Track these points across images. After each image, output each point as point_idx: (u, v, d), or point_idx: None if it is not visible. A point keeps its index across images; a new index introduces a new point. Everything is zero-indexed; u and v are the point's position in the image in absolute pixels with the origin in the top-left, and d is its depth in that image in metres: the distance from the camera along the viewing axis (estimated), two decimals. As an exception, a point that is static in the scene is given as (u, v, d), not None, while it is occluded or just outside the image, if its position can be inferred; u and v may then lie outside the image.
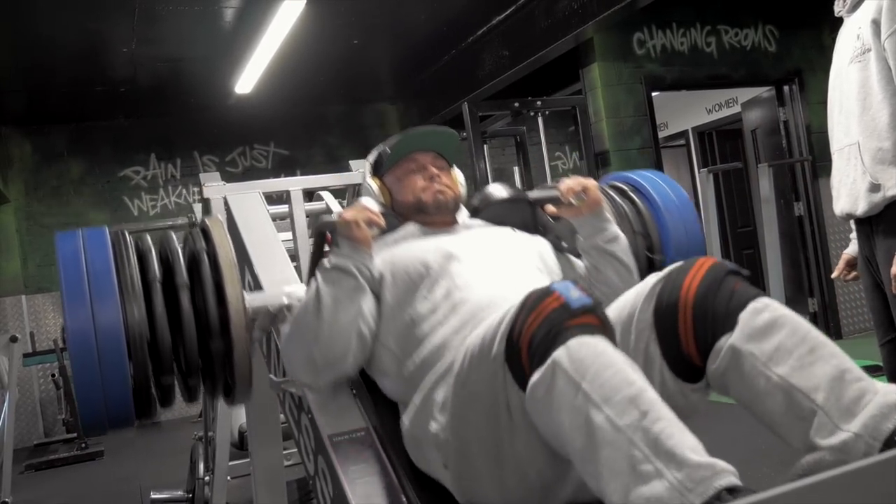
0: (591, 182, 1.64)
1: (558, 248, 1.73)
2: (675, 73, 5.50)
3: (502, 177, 6.10)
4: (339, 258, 1.48)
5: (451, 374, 1.26)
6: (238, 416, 2.90)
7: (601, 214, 1.65)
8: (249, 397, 1.69)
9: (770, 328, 1.12)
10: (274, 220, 2.78)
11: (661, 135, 7.51)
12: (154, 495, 3.09)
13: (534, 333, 1.06)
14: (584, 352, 1.01)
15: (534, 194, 1.81)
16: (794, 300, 5.73)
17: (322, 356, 1.44)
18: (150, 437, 5.95)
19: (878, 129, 1.82)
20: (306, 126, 6.85)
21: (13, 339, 4.09)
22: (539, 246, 1.67)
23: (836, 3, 2.02)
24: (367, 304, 1.49)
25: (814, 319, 5.80)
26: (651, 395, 0.98)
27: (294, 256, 2.51)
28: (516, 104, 4.75)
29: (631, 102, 5.29)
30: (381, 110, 7.07)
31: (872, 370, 2.73)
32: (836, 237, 5.70)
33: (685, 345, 1.18)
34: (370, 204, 1.61)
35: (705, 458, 0.91)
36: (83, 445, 5.31)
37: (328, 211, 3.12)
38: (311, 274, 1.56)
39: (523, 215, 1.78)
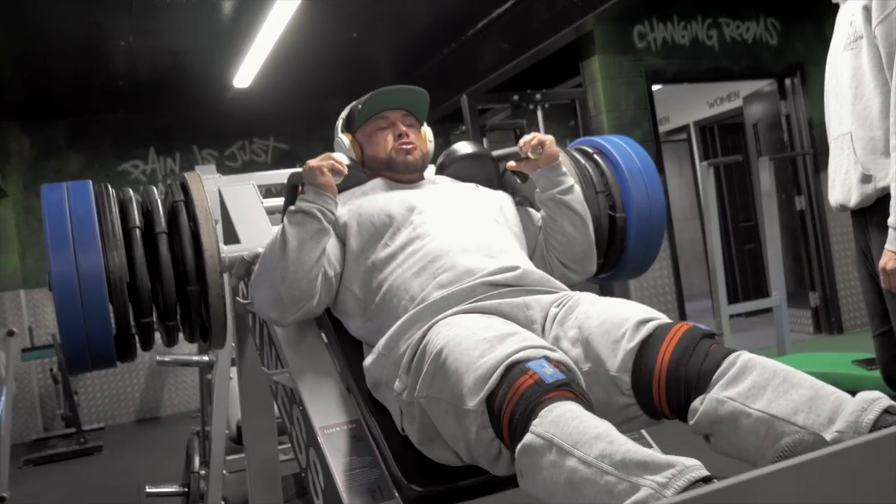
0: (547, 137, 1.72)
1: (519, 203, 1.81)
2: (676, 66, 5.47)
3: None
4: (303, 202, 1.54)
5: (424, 360, 1.30)
6: (236, 410, 2.88)
7: (557, 168, 1.73)
8: (224, 342, 1.83)
9: (742, 373, 1.15)
10: (272, 213, 2.77)
11: (662, 129, 7.50)
12: (149, 489, 3.07)
13: (513, 412, 1.11)
14: (555, 413, 1.06)
15: (497, 151, 1.87)
16: (796, 295, 5.71)
17: (288, 294, 1.51)
18: (149, 432, 5.95)
19: (871, 118, 1.78)
20: (306, 120, 6.82)
21: (10, 334, 4.08)
22: (500, 200, 1.75)
23: None
24: (331, 246, 1.58)
25: (815, 314, 5.78)
26: (615, 432, 1.01)
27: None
28: (515, 97, 4.73)
29: (631, 96, 5.26)
30: (380, 104, 7.04)
31: (872, 363, 2.71)
32: (838, 231, 5.67)
33: (659, 407, 1.23)
34: (338, 156, 1.66)
35: (672, 457, 0.93)
36: (82, 440, 5.30)
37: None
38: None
39: (487, 172, 1.85)
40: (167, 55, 5.37)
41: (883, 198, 1.76)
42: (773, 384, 1.11)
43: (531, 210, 1.81)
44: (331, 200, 1.56)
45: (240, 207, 2.08)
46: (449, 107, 5.25)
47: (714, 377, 1.16)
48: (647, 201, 2.07)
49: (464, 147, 1.86)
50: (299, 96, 6.57)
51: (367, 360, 1.47)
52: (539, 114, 4.85)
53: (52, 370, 6.01)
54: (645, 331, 1.25)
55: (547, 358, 1.16)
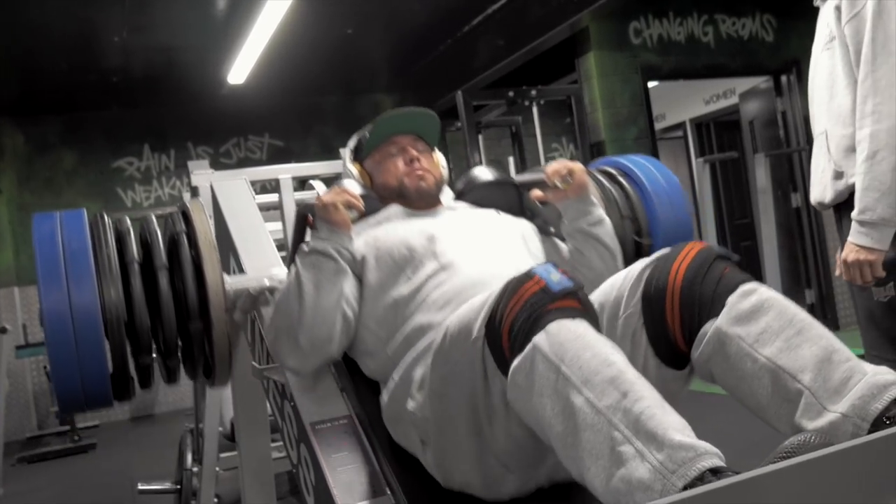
0: (577, 165, 1.62)
1: (544, 232, 1.71)
2: (672, 62, 5.46)
3: (497, 167, 6.05)
4: (317, 241, 1.47)
5: (430, 353, 1.24)
6: (230, 407, 2.87)
7: (587, 198, 1.64)
8: (230, 379, 1.72)
9: (757, 311, 1.10)
10: (266, 209, 2.75)
11: (658, 126, 7.49)
12: (141, 486, 3.05)
13: (514, 318, 1.04)
14: (563, 335, 0.99)
15: (519, 177, 1.80)
16: (792, 292, 5.70)
17: (307, 340, 1.43)
18: (143, 430, 5.93)
19: (843, 116, 1.79)
20: (301, 117, 6.80)
21: (3, 331, 4.06)
22: (522, 228, 1.66)
23: None
24: (349, 286, 1.48)
25: (811, 311, 5.76)
26: (631, 376, 0.96)
27: (284, 245, 2.48)
28: (511, 93, 4.71)
29: (627, 92, 5.25)
30: (376, 101, 7.02)
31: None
32: (834, 228, 5.65)
33: (672, 330, 1.16)
34: (350, 186, 1.59)
35: (688, 439, 0.88)
36: (76, 438, 5.29)
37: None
38: (293, 259, 1.55)
39: (508, 199, 1.76)
40: (161, 51, 5.34)
41: (854, 193, 1.77)
42: (786, 333, 1.07)
43: (556, 241, 1.71)
44: (347, 237, 1.49)
45: (231, 203, 2.06)
46: (444, 104, 5.24)
47: (727, 301, 1.11)
48: (674, 226, 1.96)
49: (484, 173, 1.78)
50: (294, 93, 6.55)
51: (384, 397, 1.40)
52: (534, 111, 4.83)
53: (45, 367, 5.97)
54: (654, 258, 1.21)
55: (554, 264, 1.09)
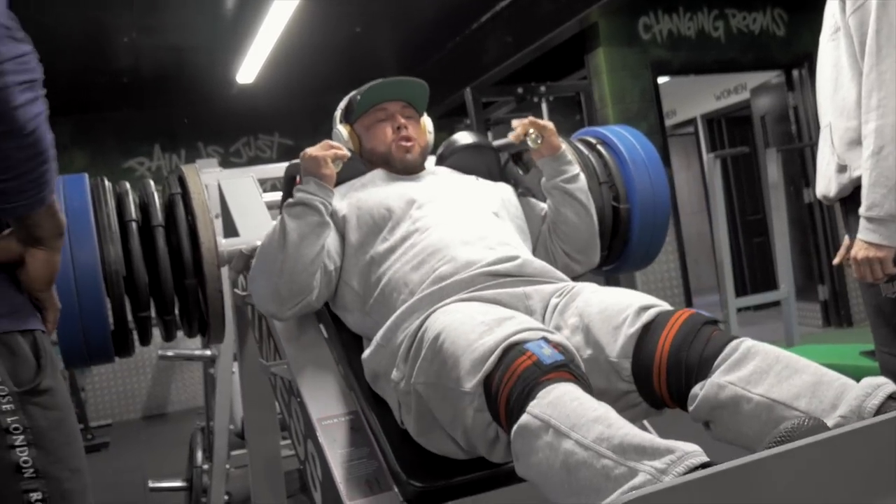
0: (545, 122, 1.69)
1: (522, 194, 1.78)
2: (682, 57, 5.42)
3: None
4: (304, 194, 1.52)
5: (421, 346, 1.27)
6: (240, 405, 2.87)
7: (563, 156, 1.70)
8: (223, 336, 1.82)
9: (744, 358, 1.12)
10: (273, 208, 2.75)
11: (669, 122, 7.45)
12: (152, 484, 3.06)
13: (510, 392, 1.09)
14: (553, 394, 1.04)
15: (498, 141, 1.85)
16: (804, 288, 5.66)
17: (287, 288, 1.49)
18: (155, 429, 5.95)
19: (847, 109, 1.76)
20: (310, 116, 6.80)
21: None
22: (501, 192, 1.73)
23: None
24: (332, 241, 1.56)
25: (824, 307, 5.73)
26: (614, 415, 0.99)
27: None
28: (520, 90, 4.70)
29: (637, 88, 5.22)
30: (385, 100, 7.03)
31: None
32: (847, 223, 5.62)
33: (659, 393, 1.20)
34: (337, 144, 1.63)
35: (674, 443, 0.91)
36: (89, 437, 5.31)
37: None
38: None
39: (488, 163, 1.83)
40: (170, 51, 5.36)
41: (859, 187, 1.74)
42: (775, 370, 1.09)
43: (534, 201, 1.79)
44: (331, 192, 1.55)
45: (239, 200, 2.06)
46: (453, 101, 5.23)
47: (716, 363, 1.14)
48: (651, 192, 2.04)
49: (464, 137, 1.84)
50: (303, 92, 6.56)
51: (366, 353, 1.45)
52: (544, 106, 4.82)
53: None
54: (646, 317, 1.23)
55: (546, 339, 1.14)
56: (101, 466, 4.84)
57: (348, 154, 1.59)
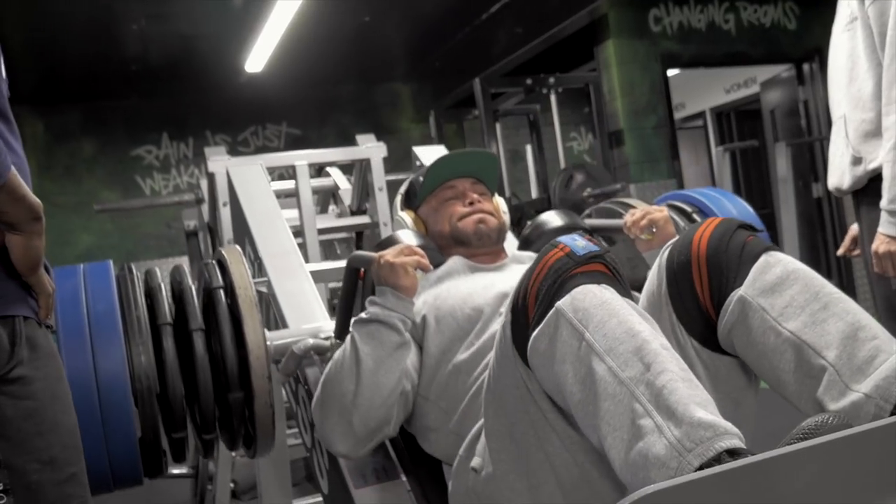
0: (659, 214, 1.57)
1: None
2: (692, 50, 5.39)
3: (515, 157, 6.03)
4: (381, 309, 1.32)
5: (483, 396, 1.16)
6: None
7: None
8: (272, 448, 1.52)
9: (782, 283, 1.08)
10: (283, 196, 2.75)
11: (678, 115, 7.41)
12: (159, 471, 3.07)
13: (540, 286, 1.01)
14: (588, 301, 0.97)
15: (592, 222, 1.72)
16: (812, 283, 5.63)
17: (362, 424, 1.28)
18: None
19: (863, 100, 1.74)
20: (318, 105, 6.79)
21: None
22: None
23: None
24: (411, 358, 1.35)
25: (831, 302, 5.71)
26: (656, 346, 0.93)
27: (300, 233, 2.48)
28: (529, 81, 4.67)
29: (646, 80, 5.20)
30: (393, 90, 7.00)
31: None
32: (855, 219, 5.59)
33: (703, 301, 1.13)
34: (407, 238, 1.48)
35: (709, 417, 0.86)
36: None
37: (335, 187, 3.08)
38: (343, 318, 1.42)
39: None
40: (179, 39, 5.36)
41: (874, 179, 1.73)
42: (811, 307, 1.05)
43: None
44: (411, 305, 1.34)
45: (247, 188, 2.07)
46: (461, 92, 5.22)
47: (751, 270, 1.10)
48: None
49: (553, 219, 1.71)
50: (311, 81, 6.54)
51: (451, 482, 1.25)
52: (553, 99, 4.79)
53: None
54: (668, 243, 1.20)
55: (580, 233, 1.07)
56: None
57: (430, 266, 1.39)
